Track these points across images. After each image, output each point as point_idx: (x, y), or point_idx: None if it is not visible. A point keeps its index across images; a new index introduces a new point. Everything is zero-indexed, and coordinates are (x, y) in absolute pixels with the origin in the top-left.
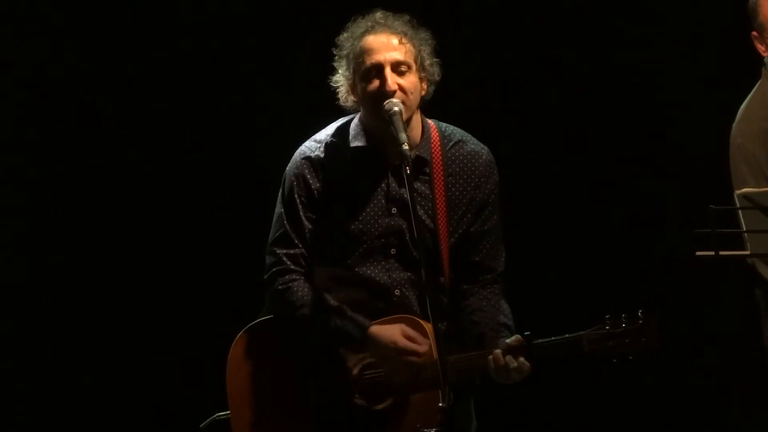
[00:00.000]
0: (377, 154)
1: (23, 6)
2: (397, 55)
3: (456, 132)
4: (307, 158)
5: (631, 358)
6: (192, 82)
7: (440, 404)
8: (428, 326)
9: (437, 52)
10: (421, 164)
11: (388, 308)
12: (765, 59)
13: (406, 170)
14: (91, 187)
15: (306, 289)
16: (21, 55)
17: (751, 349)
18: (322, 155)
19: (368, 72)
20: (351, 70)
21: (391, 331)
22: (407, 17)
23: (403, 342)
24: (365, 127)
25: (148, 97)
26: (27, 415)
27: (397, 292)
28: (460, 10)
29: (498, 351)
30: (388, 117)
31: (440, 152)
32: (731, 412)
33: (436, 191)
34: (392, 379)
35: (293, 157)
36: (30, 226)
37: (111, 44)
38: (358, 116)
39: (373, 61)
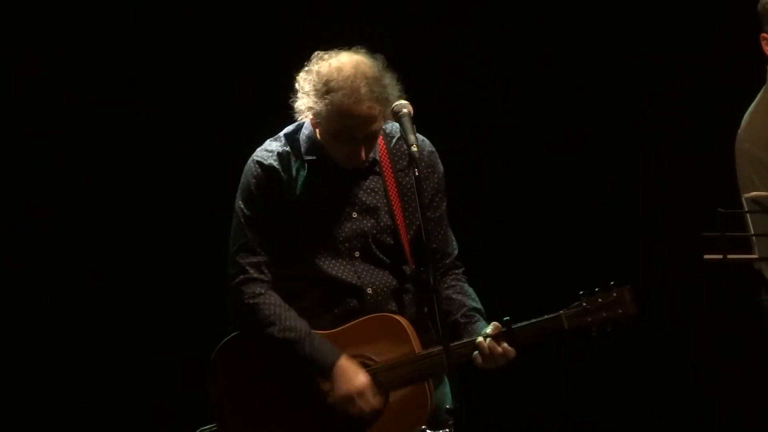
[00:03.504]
0: (331, 162)
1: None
2: (374, 127)
3: (395, 128)
4: (261, 166)
5: (609, 330)
6: (190, 82)
7: (447, 406)
8: (403, 321)
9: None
10: (372, 164)
11: (362, 307)
12: None
13: (414, 172)
14: (92, 187)
15: (273, 307)
16: (20, 54)
17: (758, 353)
18: (275, 164)
19: (342, 137)
20: (322, 117)
21: (350, 383)
22: (381, 63)
23: (357, 405)
24: (316, 141)
25: (146, 98)
26: (24, 416)
27: (369, 290)
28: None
29: (480, 339)
30: (397, 118)
31: (386, 150)
32: (736, 415)
33: (389, 188)
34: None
35: (247, 166)
36: (29, 227)
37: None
38: (307, 128)
39: (351, 135)
